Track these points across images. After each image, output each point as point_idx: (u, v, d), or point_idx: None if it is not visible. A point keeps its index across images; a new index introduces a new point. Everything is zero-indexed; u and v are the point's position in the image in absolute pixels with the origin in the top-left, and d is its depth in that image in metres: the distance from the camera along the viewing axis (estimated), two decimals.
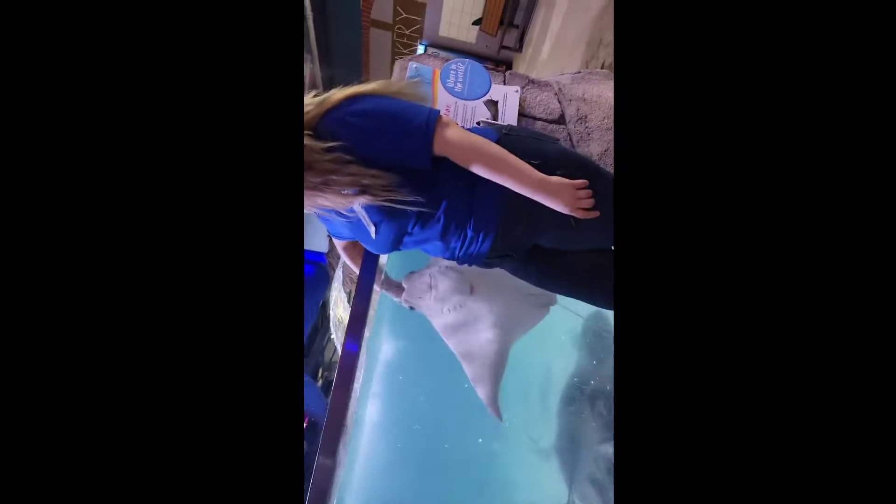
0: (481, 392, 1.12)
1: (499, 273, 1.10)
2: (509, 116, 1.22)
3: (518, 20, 5.52)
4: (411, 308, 1.16)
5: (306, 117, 0.78)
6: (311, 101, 0.80)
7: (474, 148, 0.80)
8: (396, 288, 1.18)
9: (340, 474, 1.04)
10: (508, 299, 1.15)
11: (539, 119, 1.26)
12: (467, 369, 1.13)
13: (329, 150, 0.75)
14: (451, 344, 1.15)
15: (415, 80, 1.18)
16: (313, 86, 4.76)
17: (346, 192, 0.77)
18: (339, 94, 0.80)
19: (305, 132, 0.76)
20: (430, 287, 1.13)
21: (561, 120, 1.25)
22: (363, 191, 0.77)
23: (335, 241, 1.08)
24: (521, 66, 5.65)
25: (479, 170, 0.81)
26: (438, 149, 0.80)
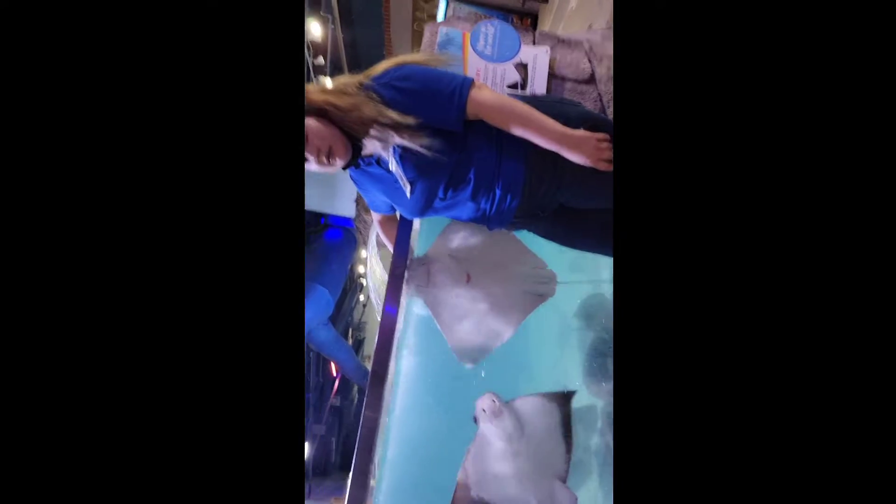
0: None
1: (496, 263, 1.13)
2: (539, 78, 1.22)
3: None
4: (408, 296, 1.17)
5: (354, 81, 0.88)
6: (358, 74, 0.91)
7: (504, 107, 0.87)
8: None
9: (383, 424, 1.14)
10: (505, 288, 1.14)
11: (569, 80, 1.25)
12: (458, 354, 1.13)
13: (362, 87, 0.86)
14: (445, 332, 1.15)
15: (455, 56, 1.21)
16: (334, 47, 4.71)
17: (375, 119, 0.85)
18: (385, 63, 0.89)
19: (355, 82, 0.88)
20: (428, 275, 1.13)
21: (591, 80, 1.24)
22: (392, 125, 0.84)
23: (373, 214, 1.15)
24: (547, 18, 5.39)
25: (508, 126, 0.87)
26: (472, 110, 0.87)
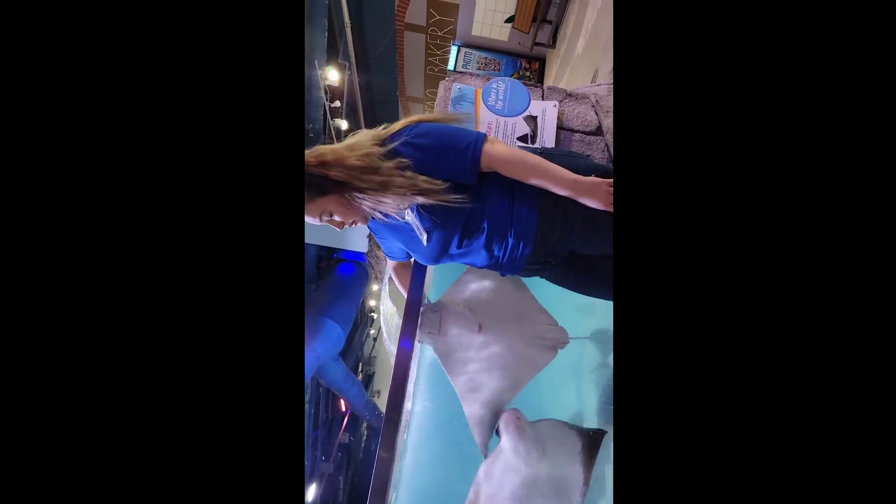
0: (477, 434, 1.10)
1: (508, 316, 1.14)
2: (548, 130, 1.29)
3: (551, 16, 5.48)
4: (419, 342, 1.17)
5: (376, 137, 0.93)
6: (379, 129, 0.95)
7: (517, 158, 0.92)
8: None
9: (397, 467, 1.12)
10: (516, 341, 1.14)
11: (577, 131, 1.31)
12: (466, 408, 1.12)
13: (391, 156, 0.89)
14: (454, 381, 1.14)
15: (468, 114, 1.27)
16: (351, 91, 4.94)
17: (404, 193, 0.90)
18: (402, 122, 0.94)
19: (374, 145, 0.91)
20: (440, 323, 1.14)
21: (598, 131, 1.30)
22: (420, 192, 0.89)
23: (389, 260, 1.20)
24: (554, 62, 5.61)
25: (522, 176, 0.92)
26: (486, 163, 0.91)
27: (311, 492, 5.63)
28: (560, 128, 1.30)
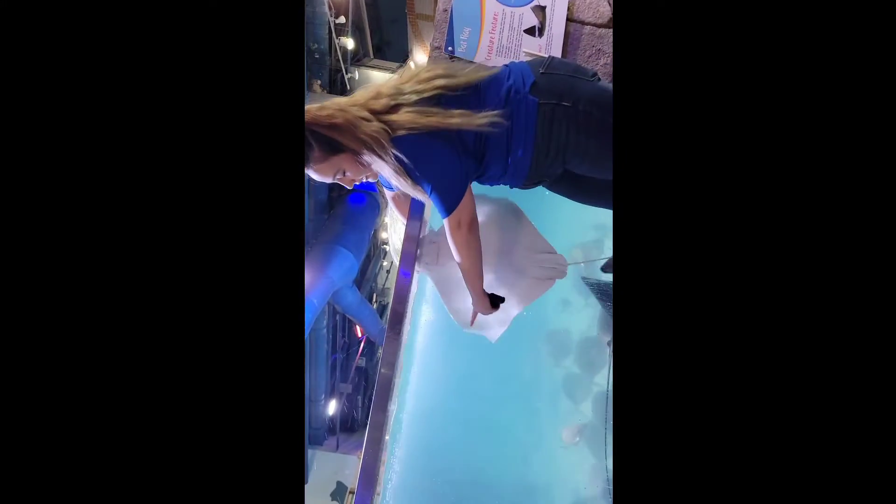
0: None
1: (507, 244, 1.16)
2: (557, 22, 1.21)
3: None
4: (417, 272, 1.20)
5: (385, 120, 0.90)
6: (387, 98, 0.92)
7: (468, 244, 0.98)
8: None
9: (398, 382, 1.19)
10: (513, 271, 1.17)
11: (588, 23, 1.24)
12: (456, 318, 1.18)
13: (394, 160, 0.90)
14: (450, 310, 1.19)
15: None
16: (356, 9, 4.65)
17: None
18: (412, 120, 0.89)
19: (384, 129, 0.89)
20: (437, 253, 1.17)
21: (610, 24, 1.23)
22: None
23: (386, 191, 1.20)
24: None
25: (458, 255, 1.00)
26: (453, 218, 0.94)
27: (332, 408, 6.09)
28: (570, 20, 1.23)
